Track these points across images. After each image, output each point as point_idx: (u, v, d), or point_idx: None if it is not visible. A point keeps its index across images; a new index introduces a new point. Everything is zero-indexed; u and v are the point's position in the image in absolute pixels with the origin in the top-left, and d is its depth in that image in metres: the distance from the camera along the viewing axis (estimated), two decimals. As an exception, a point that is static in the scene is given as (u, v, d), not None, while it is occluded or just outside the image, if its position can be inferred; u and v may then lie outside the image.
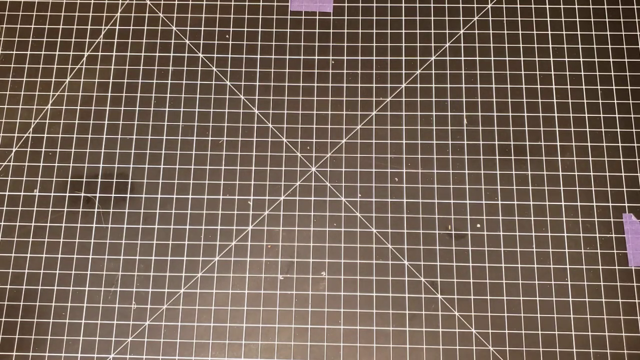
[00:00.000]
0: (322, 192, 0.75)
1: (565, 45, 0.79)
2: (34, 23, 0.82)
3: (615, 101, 0.77)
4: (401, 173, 0.76)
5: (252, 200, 0.75)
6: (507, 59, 0.79)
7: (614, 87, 0.77)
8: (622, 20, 0.80)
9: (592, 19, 0.80)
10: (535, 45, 0.79)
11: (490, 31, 0.80)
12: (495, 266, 0.72)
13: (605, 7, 0.81)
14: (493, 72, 0.78)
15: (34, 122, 0.78)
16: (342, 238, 0.74)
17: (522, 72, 0.78)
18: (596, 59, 0.79)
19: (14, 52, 0.80)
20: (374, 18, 0.81)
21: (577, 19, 0.80)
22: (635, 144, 0.76)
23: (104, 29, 0.81)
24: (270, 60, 0.80)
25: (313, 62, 0.79)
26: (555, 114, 0.77)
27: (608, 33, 0.80)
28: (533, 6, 0.81)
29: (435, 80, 0.78)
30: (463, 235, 0.73)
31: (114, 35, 0.81)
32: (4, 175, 0.76)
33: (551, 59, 0.79)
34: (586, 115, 0.77)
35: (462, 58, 0.79)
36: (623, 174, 0.75)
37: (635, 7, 0.81)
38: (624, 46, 0.79)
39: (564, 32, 0.80)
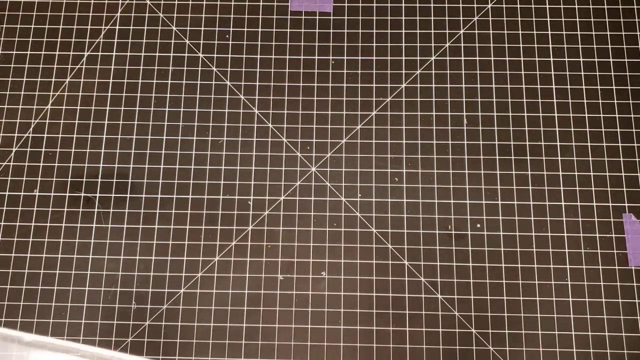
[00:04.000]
0: (322, 192, 0.75)
1: (565, 45, 0.79)
2: (34, 23, 0.82)
3: (615, 101, 0.77)
4: (401, 173, 0.76)
5: (252, 200, 0.75)
6: (507, 59, 0.79)
7: (614, 87, 0.77)
8: (622, 20, 0.80)
9: (592, 19, 0.80)
10: (535, 45, 0.79)
11: (490, 31, 0.80)
12: (495, 266, 0.72)
13: (605, 7, 0.81)
14: (493, 72, 0.78)
15: (34, 122, 0.78)
16: (342, 238, 0.74)
17: (522, 72, 0.78)
18: (596, 59, 0.79)
19: (14, 52, 0.80)
20: (374, 18, 0.81)
21: (577, 19, 0.80)
22: (635, 144, 0.76)
23: (104, 29, 0.81)
24: (270, 60, 0.79)
25: (313, 62, 0.79)
26: (555, 114, 0.77)
27: (608, 33, 0.80)
28: (533, 6, 0.81)
29: (435, 80, 0.78)
30: (463, 235, 0.73)
31: (114, 35, 0.81)
32: (4, 175, 0.76)
33: (551, 59, 0.79)
34: (586, 115, 0.77)
35: (462, 58, 0.79)
36: (623, 174, 0.75)
37: (635, 7, 0.81)
38: (624, 46, 0.79)
39: (564, 32, 0.80)
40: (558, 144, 0.76)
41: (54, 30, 0.81)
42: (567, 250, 0.73)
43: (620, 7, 0.81)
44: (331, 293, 0.72)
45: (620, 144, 0.76)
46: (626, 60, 0.79)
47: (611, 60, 0.79)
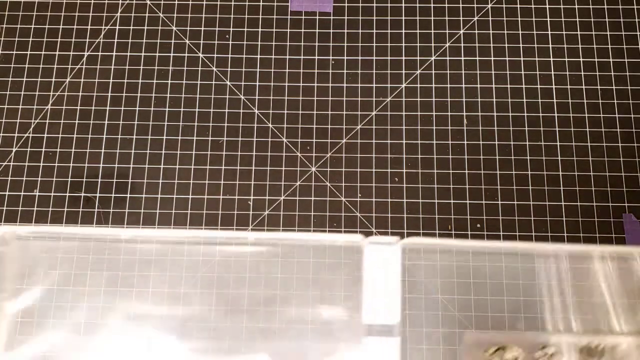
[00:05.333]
0: (322, 192, 0.75)
1: (565, 45, 0.79)
2: (34, 23, 0.82)
3: (615, 101, 0.77)
4: (401, 173, 0.76)
5: (252, 200, 0.75)
6: (507, 59, 0.79)
7: (614, 87, 0.78)
8: (622, 20, 0.80)
9: (592, 19, 0.80)
10: (535, 45, 0.79)
11: (490, 31, 0.80)
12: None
13: (605, 7, 0.81)
14: (493, 72, 0.78)
15: (34, 122, 0.78)
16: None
17: (522, 72, 0.78)
18: (596, 59, 0.79)
19: (14, 52, 0.80)
20: (374, 18, 0.81)
21: (577, 19, 0.80)
22: (635, 144, 0.76)
23: (104, 29, 0.81)
24: (270, 60, 0.80)
25: (313, 62, 0.79)
26: (555, 114, 0.77)
27: (608, 33, 0.80)
28: (533, 6, 0.81)
29: (435, 80, 0.78)
30: (463, 235, 0.73)
31: (114, 35, 0.81)
32: (4, 175, 0.76)
33: (551, 59, 0.79)
34: (586, 115, 0.77)
35: (462, 58, 0.79)
36: (623, 174, 0.75)
37: (635, 7, 0.81)
38: (624, 46, 0.79)
39: (564, 32, 0.80)
40: (558, 144, 0.76)
41: (54, 30, 0.81)
42: (567, 250, 0.73)
43: (620, 7, 0.81)
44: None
45: (620, 144, 0.76)
46: (626, 60, 0.79)
47: (611, 60, 0.79)
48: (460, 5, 0.81)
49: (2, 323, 0.35)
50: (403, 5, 0.81)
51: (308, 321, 0.51)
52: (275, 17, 0.81)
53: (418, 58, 0.79)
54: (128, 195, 0.75)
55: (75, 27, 0.81)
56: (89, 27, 0.81)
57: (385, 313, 0.35)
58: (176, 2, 0.82)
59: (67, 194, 0.76)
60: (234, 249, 0.52)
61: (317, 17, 0.81)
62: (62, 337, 0.45)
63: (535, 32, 0.80)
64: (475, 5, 0.81)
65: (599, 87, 0.78)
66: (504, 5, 0.81)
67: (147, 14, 0.82)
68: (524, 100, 0.78)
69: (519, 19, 0.80)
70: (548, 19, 0.80)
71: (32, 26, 0.82)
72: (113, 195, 0.75)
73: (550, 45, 0.79)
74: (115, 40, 0.81)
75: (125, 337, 0.46)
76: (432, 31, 0.80)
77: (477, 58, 0.79)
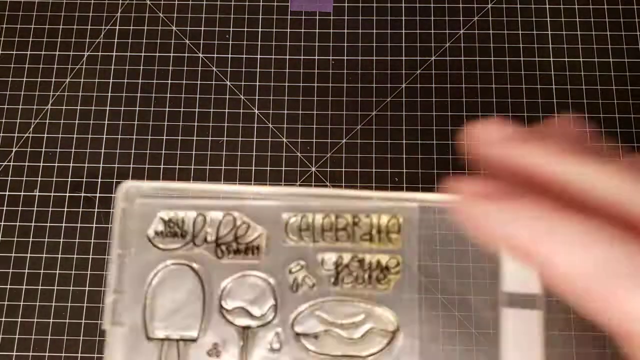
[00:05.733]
0: (322, 192, 0.75)
1: (565, 46, 0.79)
2: (34, 23, 0.82)
3: (615, 101, 0.77)
4: (401, 173, 0.76)
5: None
6: (507, 59, 0.79)
7: (614, 87, 0.77)
8: (622, 20, 0.80)
9: (592, 19, 0.80)
10: (535, 45, 0.79)
11: (490, 31, 0.80)
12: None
13: (605, 7, 0.81)
14: (493, 72, 0.78)
15: (34, 122, 0.78)
16: (342, 238, 0.74)
17: (522, 72, 0.78)
18: (596, 59, 0.79)
19: (14, 52, 0.80)
20: (374, 18, 0.81)
21: (577, 19, 0.80)
22: (635, 144, 0.76)
23: (104, 29, 0.81)
24: (270, 60, 0.79)
25: (313, 62, 0.79)
26: (555, 114, 0.77)
27: (608, 33, 0.80)
28: (533, 6, 0.81)
29: (435, 80, 0.78)
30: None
31: (114, 35, 0.81)
32: (4, 175, 0.76)
33: (551, 59, 0.79)
34: (586, 115, 0.77)
35: (462, 58, 0.79)
36: (623, 174, 0.75)
37: (635, 7, 0.81)
38: (624, 46, 0.79)
39: (564, 32, 0.80)
40: (558, 144, 0.76)
41: (54, 30, 0.81)
42: (567, 250, 0.73)
43: (620, 7, 0.81)
44: (331, 293, 0.72)
45: (620, 144, 0.76)
46: (626, 60, 0.79)
47: (611, 60, 0.79)
48: (460, 5, 0.81)
49: (125, 282, 0.35)
50: (403, 5, 0.81)
51: (447, 290, 0.53)
52: (275, 17, 0.81)
53: (418, 58, 0.79)
54: (128, 195, 0.75)
55: (75, 27, 0.81)
56: (89, 27, 0.81)
57: (526, 284, 0.34)
58: (176, 2, 0.82)
59: (67, 194, 0.76)
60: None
61: (317, 17, 0.81)
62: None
63: (535, 32, 0.80)
64: (475, 5, 0.81)
65: (599, 87, 0.78)
66: (504, 5, 0.81)
67: (147, 14, 0.82)
68: (524, 100, 0.78)
69: (519, 19, 0.80)
70: (548, 19, 0.80)
71: (32, 26, 0.82)
72: (113, 195, 0.75)
73: (550, 45, 0.79)
74: (115, 40, 0.81)
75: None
76: (432, 31, 0.80)
77: (477, 58, 0.79)
